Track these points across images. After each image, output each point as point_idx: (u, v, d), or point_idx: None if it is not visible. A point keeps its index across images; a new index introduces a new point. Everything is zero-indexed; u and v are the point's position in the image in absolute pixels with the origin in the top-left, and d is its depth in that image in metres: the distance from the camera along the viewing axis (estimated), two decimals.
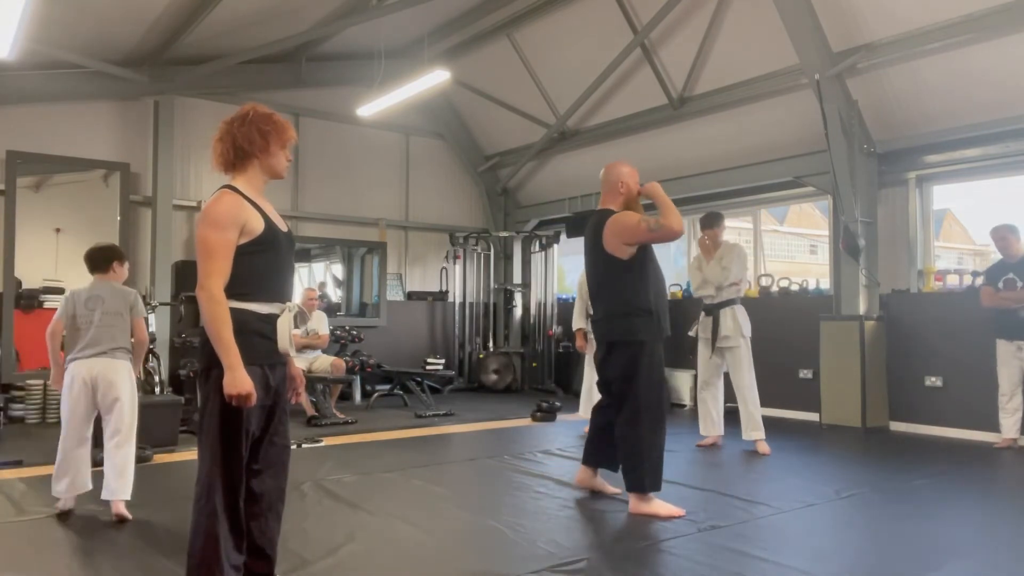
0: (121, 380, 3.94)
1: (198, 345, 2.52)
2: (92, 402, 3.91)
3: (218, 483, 2.44)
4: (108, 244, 4.38)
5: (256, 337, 2.47)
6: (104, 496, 3.81)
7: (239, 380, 2.35)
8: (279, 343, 2.56)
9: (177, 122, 8.38)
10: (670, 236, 3.95)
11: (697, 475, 4.97)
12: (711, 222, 6.05)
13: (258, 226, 2.48)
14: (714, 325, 5.87)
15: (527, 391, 9.93)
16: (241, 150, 2.53)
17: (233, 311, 2.42)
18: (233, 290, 2.43)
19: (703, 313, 6.02)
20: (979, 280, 6.52)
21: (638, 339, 4.00)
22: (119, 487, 3.81)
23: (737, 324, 5.82)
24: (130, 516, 3.77)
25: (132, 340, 4.09)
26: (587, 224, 4.27)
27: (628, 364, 4.00)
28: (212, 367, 2.42)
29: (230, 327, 2.37)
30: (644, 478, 3.93)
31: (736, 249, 5.98)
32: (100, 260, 4.14)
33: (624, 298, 4.03)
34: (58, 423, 4.05)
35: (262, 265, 2.50)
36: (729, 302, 5.87)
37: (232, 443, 2.45)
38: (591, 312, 4.38)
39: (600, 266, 4.13)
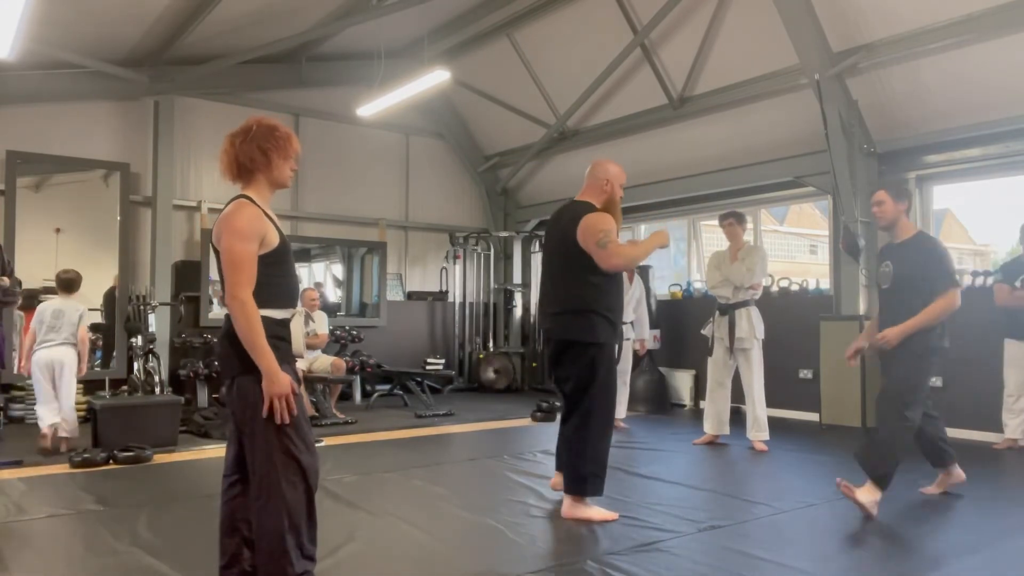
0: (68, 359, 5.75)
1: (220, 355, 2.56)
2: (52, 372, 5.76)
3: (297, 477, 2.48)
4: (75, 272, 5.96)
5: (278, 340, 2.54)
6: (61, 433, 5.59)
7: (281, 381, 2.43)
8: (293, 345, 2.70)
9: (177, 122, 8.38)
10: (605, 262, 3.71)
11: (697, 475, 4.97)
12: (740, 220, 6.03)
13: (275, 239, 2.55)
14: (730, 326, 5.87)
15: (527, 391, 9.94)
16: (244, 167, 2.58)
17: None
18: (254, 298, 2.49)
19: (718, 312, 6.01)
20: (980, 279, 6.50)
21: (598, 341, 3.80)
22: (65, 425, 5.63)
23: (752, 326, 5.82)
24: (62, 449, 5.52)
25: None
26: (557, 213, 4.04)
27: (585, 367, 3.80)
28: (247, 372, 2.45)
29: (263, 334, 2.44)
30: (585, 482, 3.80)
31: (759, 251, 5.99)
32: (68, 284, 5.89)
33: (587, 297, 3.80)
34: None
35: (278, 274, 2.57)
36: (744, 303, 5.87)
37: (299, 434, 2.50)
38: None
39: (564, 259, 3.87)
